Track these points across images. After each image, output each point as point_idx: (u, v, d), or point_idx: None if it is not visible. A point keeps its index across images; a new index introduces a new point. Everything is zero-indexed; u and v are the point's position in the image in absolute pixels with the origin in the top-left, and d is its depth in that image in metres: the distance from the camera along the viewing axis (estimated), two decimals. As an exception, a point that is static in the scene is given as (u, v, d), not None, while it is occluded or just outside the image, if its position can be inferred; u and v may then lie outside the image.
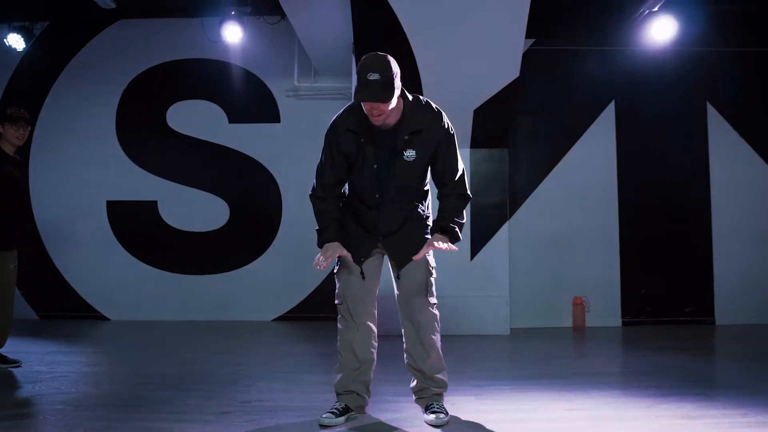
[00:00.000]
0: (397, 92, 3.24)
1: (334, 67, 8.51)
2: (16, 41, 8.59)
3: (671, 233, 8.59)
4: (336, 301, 3.68)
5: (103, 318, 8.93)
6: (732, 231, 8.59)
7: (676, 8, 7.85)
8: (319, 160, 3.57)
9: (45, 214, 9.00)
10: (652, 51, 8.38)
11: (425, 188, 3.62)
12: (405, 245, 3.51)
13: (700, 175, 8.65)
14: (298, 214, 8.91)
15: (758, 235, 8.59)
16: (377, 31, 6.84)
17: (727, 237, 8.60)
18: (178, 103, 9.13)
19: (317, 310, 8.77)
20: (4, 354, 5.15)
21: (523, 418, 3.63)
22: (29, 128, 5.38)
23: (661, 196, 8.61)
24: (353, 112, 3.43)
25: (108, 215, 9.06)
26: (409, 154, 3.37)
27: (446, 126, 3.43)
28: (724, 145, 8.65)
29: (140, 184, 9.05)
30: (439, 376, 3.63)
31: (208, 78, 9.12)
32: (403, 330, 3.68)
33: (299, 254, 8.80)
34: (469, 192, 3.52)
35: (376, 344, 3.68)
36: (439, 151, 3.41)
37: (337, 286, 3.67)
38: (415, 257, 3.42)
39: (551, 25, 8.40)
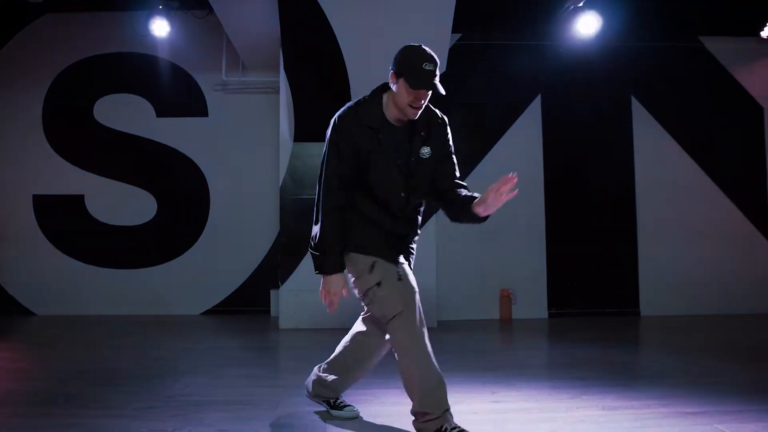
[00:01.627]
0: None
1: (263, 61, 8.72)
2: (-64, 34, 8.68)
3: (597, 226, 8.96)
4: (395, 311, 3.21)
5: (30, 313, 9.06)
6: (656, 224, 9.01)
7: (600, 4, 8.21)
8: (321, 171, 3.39)
9: None
10: (577, 46, 8.74)
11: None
12: (412, 252, 3.54)
13: (625, 168, 9.05)
14: (225, 208, 9.21)
15: (682, 227, 9.02)
16: (304, 26, 7.10)
17: (652, 229, 9.01)
18: (106, 96, 9.28)
19: (245, 304, 9.06)
20: None
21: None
22: None
23: (587, 189, 8.99)
24: (362, 108, 3.33)
25: (34, 209, 9.19)
26: (425, 151, 3.34)
27: (448, 127, 3.47)
28: (649, 138, 9.07)
29: (67, 178, 9.20)
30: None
31: (136, 72, 9.29)
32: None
33: (227, 248, 9.12)
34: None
35: None
36: (446, 153, 3.43)
37: (387, 296, 3.27)
38: (485, 211, 3.21)
39: (478, 20, 8.71)
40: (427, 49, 3.17)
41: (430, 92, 3.16)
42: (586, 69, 8.96)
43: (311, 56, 7.45)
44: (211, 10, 7.97)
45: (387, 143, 3.27)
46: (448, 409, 3.15)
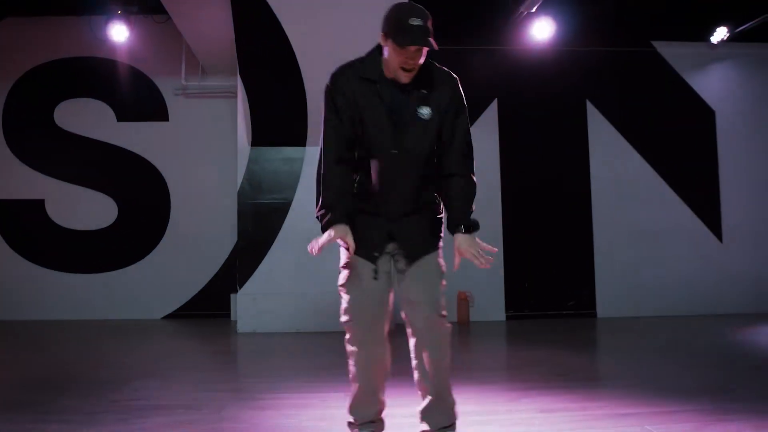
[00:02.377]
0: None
1: (222, 65, 8.88)
2: None
3: (553, 229, 9.22)
4: (342, 319, 3.21)
5: (-12, 318, 9.18)
6: (612, 226, 9.28)
7: (554, 9, 8.49)
8: (322, 132, 3.16)
9: None
10: (533, 50, 9.00)
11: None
12: (417, 235, 3.22)
13: (580, 171, 9.31)
14: (186, 212, 9.36)
15: (636, 230, 9.29)
16: (258, 31, 7.24)
17: (608, 232, 9.27)
18: (66, 101, 9.42)
19: (205, 308, 9.23)
20: None
21: (390, 414, 3.53)
22: None
23: (543, 192, 9.23)
24: (360, 63, 3.15)
25: (-6, 214, 9.32)
26: (424, 111, 3.07)
27: (460, 92, 3.23)
28: (604, 142, 9.34)
29: (27, 183, 9.32)
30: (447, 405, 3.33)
31: (96, 76, 9.43)
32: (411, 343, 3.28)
33: (187, 252, 9.29)
34: (475, 178, 3.26)
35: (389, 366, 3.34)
36: (446, 117, 3.14)
37: (344, 299, 3.22)
38: (455, 267, 3.19)
39: (435, 26, 8.86)
40: (414, 4, 3.01)
41: (423, 51, 2.96)
42: (541, 73, 9.21)
43: (266, 62, 7.60)
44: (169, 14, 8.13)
45: (384, 97, 3.07)
46: (373, 421, 3.25)
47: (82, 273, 9.31)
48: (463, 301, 8.87)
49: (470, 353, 6.90)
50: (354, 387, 3.23)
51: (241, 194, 8.16)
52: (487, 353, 6.84)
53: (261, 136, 8.07)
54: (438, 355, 3.19)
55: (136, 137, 9.42)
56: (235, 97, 8.67)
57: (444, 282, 3.29)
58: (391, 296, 3.23)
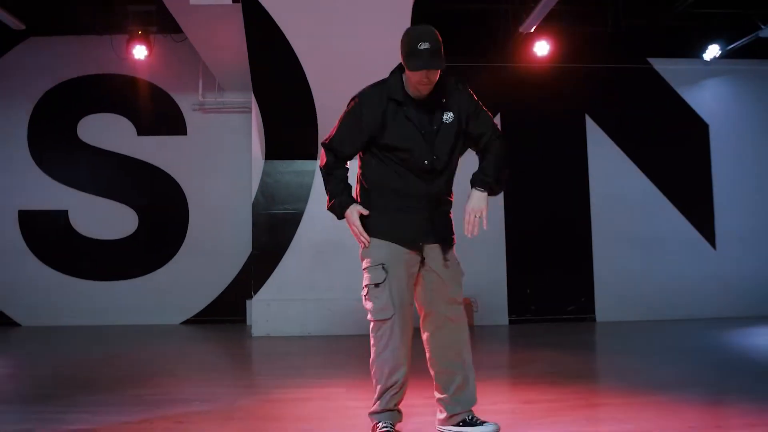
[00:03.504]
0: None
1: (237, 82, 9.37)
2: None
3: (554, 237, 9.72)
4: (376, 317, 3.51)
5: (14, 324, 9.73)
6: (610, 234, 9.77)
7: (553, 28, 9.03)
8: (332, 133, 3.62)
9: None
10: (533, 67, 9.56)
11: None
12: (445, 225, 3.68)
13: (580, 182, 9.81)
14: (203, 222, 9.92)
15: (634, 237, 9.79)
16: (270, 51, 7.73)
17: (606, 240, 9.77)
18: (89, 116, 9.99)
19: (221, 314, 9.78)
20: None
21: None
22: None
23: (544, 202, 9.74)
24: (386, 86, 3.54)
25: (19, 224, 9.87)
26: (448, 116, 3.51)
27: (472, 94, 3.67)
28: (602, 154, 9.85)
29: (52, 194, 9.88)
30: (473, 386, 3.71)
31: (118, 92, 9.99)
32: (424, 337, 3.68)
33: (205, 260, 9.81)
34: (502, 141, 3.73)
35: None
36: (470, 118, 3.60)
37: (376, 296, 3.51)
38: (470, 230, 3.60)
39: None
40: (424, 25, 3.38)
41: (435, 73, 3.36)
42: (543, 89, 9.73)
43: (278, 80, 8.08)
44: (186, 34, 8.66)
45: (411, 116, 3.46)
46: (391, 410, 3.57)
47: (104, 280, 9.85)
48: (468, 306, 9.35)
49: (474, 354, 7.38)
50: (377, 373, 3.54)
51: (255, 205, 8.72)
52: (483, 354, 7.31)
53: (274, 150, 8.61)
54: (465, 340, 3.66)
55: (155, 150, 9.97)
56: (250, 112, 9.18)
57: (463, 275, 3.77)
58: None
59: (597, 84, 9.89)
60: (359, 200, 3.62)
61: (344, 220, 3.58)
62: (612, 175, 9.83)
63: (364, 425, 3.63)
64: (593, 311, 9.69)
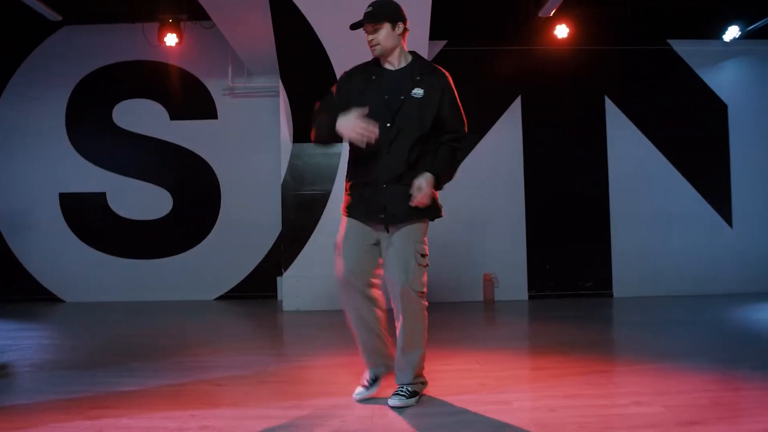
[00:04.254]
0: (396, 30, 3.86)
1: (265, 67, 9.77)
2: (-30, 50, 9.83)
3: (573, 215, 10.07)
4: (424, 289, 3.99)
5: (59, 300, 10.33)
6: (629, 213, 10.09)
7: (573, 11, 9.33)
8: (318, 107, 3.97)
9: (2, 207, 10.30)
10: (554, 50, 9.87)
11: (430, 148, 3.92)
12: (400, 203, 3.78)
13: (599, 162, 10.12)
14: (235, 202, 10.39)
15: (651, 216, 10.10)
16: (296, 37, 8.09)
17: (624, 218, 10.10)
18: (123, 102, 10.46)
19: (254, 290, 10.29)
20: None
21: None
22: None
23: (563, 181, 10.07)
24: (369, 62, 4.01)
25: (61, 206, 10.41)
26: (417, 91, 3.80)
27: (450, 83, 3.92)
28: (621, 134, 10.13)
29: (90, 177, 10.41)
30: (417, 366, 4.02)
31: (150, 79, 10.45)
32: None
33: (238, 239, 10.29)
34: (460, 152, 3.98)
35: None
36: (442, 104, 3.84)
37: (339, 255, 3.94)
38: (413, 201, 3.72)
39: (461, 28, 9.79)
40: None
41: (376, 29, 3.82)
42: (562, 71, 10.04)
43: (304, 66, 8.43)
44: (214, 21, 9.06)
45: (379, 82, 3.87)
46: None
47: (141, 259, 10.39)
48: (488, 282, 9.78)
49: (493, 327, 7.84)
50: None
51: (284, 186, 9.18)
52: (505, 326, 7.75)
53: (301, 133, 9.01)
54: (408, 325, 3.90)
55: (187, 134, 10.42)
56: (278, 96, 9.61)
57: (421, 259, 3.89)
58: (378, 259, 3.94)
59: (616, 66, 10.16)
60: (346, 185, 4.03)
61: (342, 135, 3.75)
62: (631, 155, 10.12)
63: (383, 388, 4.07)
64: (611, 287, 10.04)
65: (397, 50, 3.92)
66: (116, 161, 10.43)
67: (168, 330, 7.47)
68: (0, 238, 10.29)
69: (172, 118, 10.47)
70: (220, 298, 10.38)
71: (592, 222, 10.09)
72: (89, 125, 10.47)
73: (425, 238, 3.98)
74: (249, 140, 10.40)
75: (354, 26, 3.88)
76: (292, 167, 9.13)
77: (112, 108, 10.46)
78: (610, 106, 10.14)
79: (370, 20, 3.83)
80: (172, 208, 10.43)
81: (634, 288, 9.96)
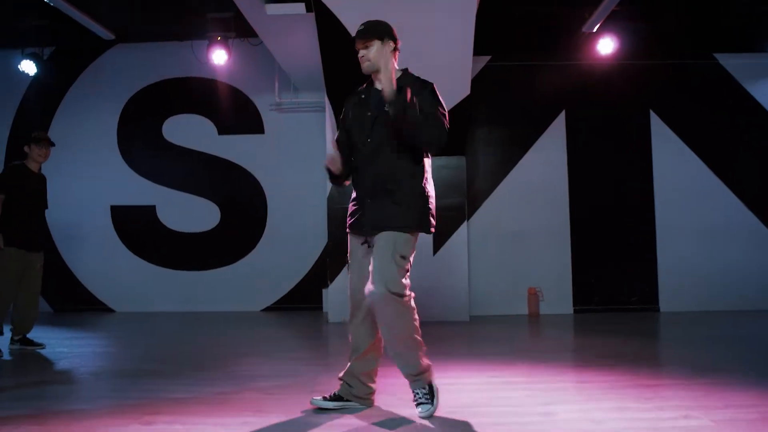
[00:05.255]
0: (386, 48, 3.95)
1: (311, 83, 9.98)
2: (28, 67, 10.14)
3: (618, 229, 10.06)
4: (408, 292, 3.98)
5: (110, 310, 10.61)
6: (674, 227, 10.06)
7: (617, 25, 9.33)
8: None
9: (56, 219, 10.46)
10: (598, 64, 9.90)
11: (421, 163, 3.98)
12: (378, 212, 3.90)
13: (644, 176, 10.11)
14: (281, 216, 10.58)
15: (697, 230, 10.06)
16: (341, 54, 8.20)
17: (670, 232, 10.06)
18: (173, 117, 10.75)
19: (299, 301, 10.47)
20: (31, 338, 6.77)
21: (453, 383, 4.65)
22: (51, 148, 6.90)
23: (608, 196, 10.09)
24: (364, 85, 4.16)
25: (112, 218, 10.72)
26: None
27: (432, 87, 3.98)
28: (666, 148, 10.12)
29: (140, 191, 10.69)
30: (408, 360, 3.98)
31: (199, 95, 10.73)
32: None
33: (284, 251, 10.48)
34: (434, 131, 3.81)
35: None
36: (421, 101, 3.85)
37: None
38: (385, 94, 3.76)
39: (505, 44, 9.87)
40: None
41: (366, 46, 3.94)
42: (607, 85, 10.08)
43: (349, 82, 8.56)
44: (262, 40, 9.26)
45: (367, 100, 4.02)
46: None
47: (190, 270, 10.63)
48: (533, 296, 9.81)
49: (539, 340, 7.88)
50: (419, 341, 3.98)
51: (330, 200, 9.32)
52: (545, 340, 7.76)
53: (348, 148, 9.13)
54: (386, 331, 3.92)
55: (235, 149, 10.66)
56: (323, 110, 9.79)
57: (400, 260, 3.86)
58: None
59: (662, 80, 10.15)
60: None
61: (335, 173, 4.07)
62: (676, 169, 10.09)
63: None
64: (657, 302, 10.00)
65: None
66: (166, 175, 10.69)
67: (217, 340, 7.63)
68: (53, 248, 10.54)
69: (220, 132, 10.72)
70: (267, 309, 10.55)
71: (638, 236, 10.07)
72: (140, 140, 10.77)
73: (411, 249, 3.97)
74: (295, 154, 10.57)
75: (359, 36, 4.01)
76: (337, 182, 9.25)
77: (162, 123, 10.75)
78: (655, 120, 10.12)
79: (361, 37, 3.97)
80: (220, 221, 10.64)
81: (680, 302, 9.90)
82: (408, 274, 3.96)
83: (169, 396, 4.53)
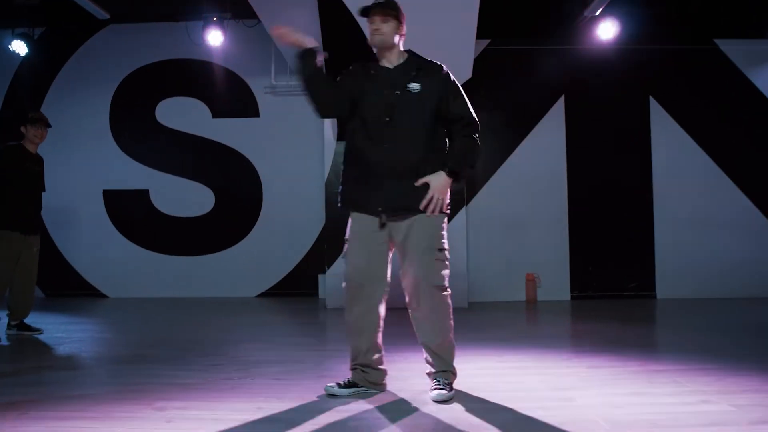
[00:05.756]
0: (399, 29, 3.95)
1: (308, 66, 9.87)
2: (19, 47, 10.01)
3: (616, 216, 10.05)
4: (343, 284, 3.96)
5: (103, 296, 10.51)
6: (672, 214, 10.05)
7: (619, 10, 9.27)
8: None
9: (47, 204, 10.28)
10: (598, 49, 9.83)
11: (442, 143, 3.97)
12: (404, 195, 3.83)
13: (643, 162, 10.08)
14: (277, 200, 10.49)
15: (695, 217, 10.05)
16: (342, 35, 8.17)
17: (668, 219, 10.05)
18: (166, 99, 10.63)
19: (295, 287, 10.40)
20: (28, 323, 6.67)
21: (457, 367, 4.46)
22: (47, 129, 6.79)
23: (606, 182, 10.05)
24: (365, 61, 4.09)
25: (105, 203, 10.61)
26: (414, 86, 3.85)
27: (449, 74, 3.95)
28: (666, 135, 10.08)
29: (133, 174, 10.58)
30: (444, 356, 4.03)
31: (193, 77, 10.61)
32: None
33: (279, 237, 10.39)
34: (477, 136, 3.90)
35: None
36: (446, 98, 3.88)
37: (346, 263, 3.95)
38: (427, 208, 3.79)
39: (505, 27, 9.79)
40: None
41: (385, 20, 3.89)
42: (606, 71, 10.01)
43: (349, 63, 8.52)
44: (260, 19, 9.16)
45: (377, 78, 3.92)
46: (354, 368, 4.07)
47: (183, 255, 10.54)
48: (531, 282, 9.79)
49: (532, 326, 7.84)
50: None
51: (328, 184, 9.23)
52: (548, 326, 7.70)
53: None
54: (429, 318, 3.96)
55: (229, 132, 10.55)
56: (320, 95, 9.69)
57: (441, 253, 3.88)
58: (387, 264, 3.96)
59: (662, 66, 10.10)
60: (341, 178, 4.03)
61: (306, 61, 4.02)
62: (675, 156, 10.07)
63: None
64: (654, 288, 9.99)
65: (395, 49, 3.99)
66: (159, 158, 10.59)
67: (215, 326, 7.52)
68: (45, 233, 10.33)
69: (215, 115, 10.61)
70: (261, 295, 10.46)
71: (636, 223, 10.05)
72: (133, 123, 10.66)
73: (443, 233, 3.96)
74: (290, 138, 10.49)
75: (363, 12, 3.96)
76: (335, 165, 9.16)
77: (156, 106, 10.64)
78: (654, 106, 10.09)
79: (382, 9, 3.90)
80: (214, 206, 10.56)
81: (677, 289, 9.90)
82: (448, 263, 3.97)
83: (177, 381, 4.44)
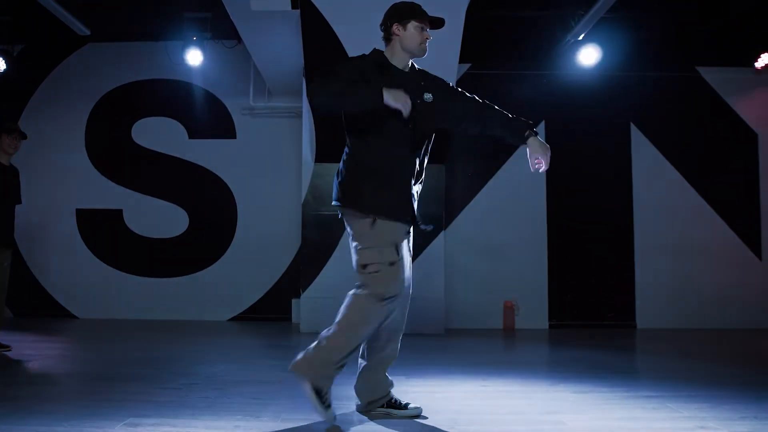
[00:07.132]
0: None
1: (287, 87, 9.92)
2: (-2, 63, 9.96)
3: (596, 244, 10.04)
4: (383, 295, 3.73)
5: (72, 316, 10.34)
6: (652, 242, 10.05)
7: (601, 36, 9.32)
8: (327, 74, 3.70)
9: (18, 221, 10.18)
10: (579, 75, 9.89)
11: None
12: (419, 201, 3.91)
13: (623, 190, 10.11)
14: (251, 223, 10.42)
15: (676, 246, 10.06)
16: (325, 56, 8.24)
17: (648, 248, 10.05)
18: (143, 119, 10.59)
19: (267, 311, 10.30)
20: (-2, 340, 6.51)
21: (439, 390, 4.61)
22: (22, 140, 6.74)
23: (586, 209, 10.06)
24: (368, 58, 3.91)
25: (77, 222, 10.50)
26: (428, 96, 3.88)
27: (442, 79, 4.06)
28: (646, 162, 10.13)
29: (107, 194, 10.48)
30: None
31: (171, 97, 10.57)
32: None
33: (253, 260, 10.31)
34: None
35: None
36: (452, 92, 4.02)
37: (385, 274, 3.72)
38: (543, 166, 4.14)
39: (486, 51, 9.87)
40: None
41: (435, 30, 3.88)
42: (587, 97, 10.07)
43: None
44: (240, 40, 9.13)
45: (396, 81, 3.74)
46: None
47: (156, 277, 10.42)
48: (509, 309, 9.75)
49: (514, 352, 7.83)
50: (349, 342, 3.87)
51: (305, 206, 9.17)
52: (529, 353, 7.69)
53: (325, 153, 9.05)
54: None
55: (206, 153, 10.51)
56: (298, 117, 9.74)
57: (356, 256, 3.83)
58: None
59: (643, 93, 10.17)
60: (349, 185, 3.89)
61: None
62: (656, 184, 10.09)
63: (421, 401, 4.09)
64: (633, 318, 9.97)
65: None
66: (134, 178, 10.51)
67: (188, 347, 7.44)
68: (16, 252, 10.26)
69: (191, 136, 10.58)
70: (233, 319, 10.37)
71: (616, 251, 10.05)
72: (108, 142, 10.59)
73: None
74: (267, 160, 10.47)
75: (440, 23, 3.89)
76: (313, 187, 9.14)
77: (132, 125, 10.59)
78: (636, 133, 10.15)
79: (439, 21, 3.90)
80: (188, 227, 10.48)
81: (658, 319, 9.88)
82: None
83: (152, 399, 4.37)
